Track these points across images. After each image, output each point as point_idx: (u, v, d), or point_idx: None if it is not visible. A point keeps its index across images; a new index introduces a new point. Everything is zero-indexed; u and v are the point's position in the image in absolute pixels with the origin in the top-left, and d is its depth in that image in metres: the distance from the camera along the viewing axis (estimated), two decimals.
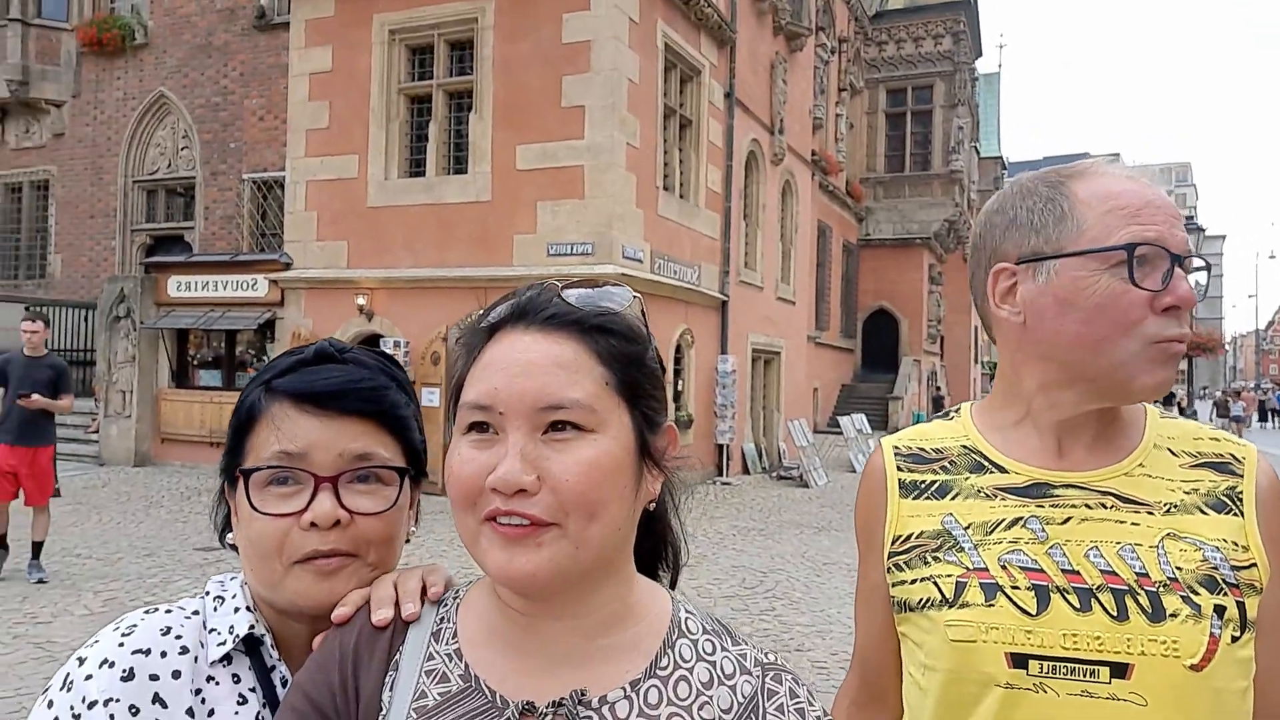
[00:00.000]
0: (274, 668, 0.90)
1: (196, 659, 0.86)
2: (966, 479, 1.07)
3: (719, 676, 0.81)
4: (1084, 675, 0.94)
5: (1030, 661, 0.95)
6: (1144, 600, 0.95)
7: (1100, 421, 1.05)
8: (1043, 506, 1.02)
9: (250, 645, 0.89)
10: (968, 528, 1.03)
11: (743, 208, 15.82)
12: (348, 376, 0.94)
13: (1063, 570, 0.97)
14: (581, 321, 0.79)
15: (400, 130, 12.51)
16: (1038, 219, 1.03)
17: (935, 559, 1.03)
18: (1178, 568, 0.96)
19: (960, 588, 0.99)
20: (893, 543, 1.08)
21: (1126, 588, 0.95)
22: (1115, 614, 0.94)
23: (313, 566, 0.89)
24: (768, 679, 0.82)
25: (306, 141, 12.97)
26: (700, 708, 0.78)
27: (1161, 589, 0.95)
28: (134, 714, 0.81)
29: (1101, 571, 0.96)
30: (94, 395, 14.42)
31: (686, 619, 0.85)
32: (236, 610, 0.91)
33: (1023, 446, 1.07)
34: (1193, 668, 0.92)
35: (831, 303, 23.62)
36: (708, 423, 14.37)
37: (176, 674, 0.84)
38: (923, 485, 1.09)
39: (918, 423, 1.29)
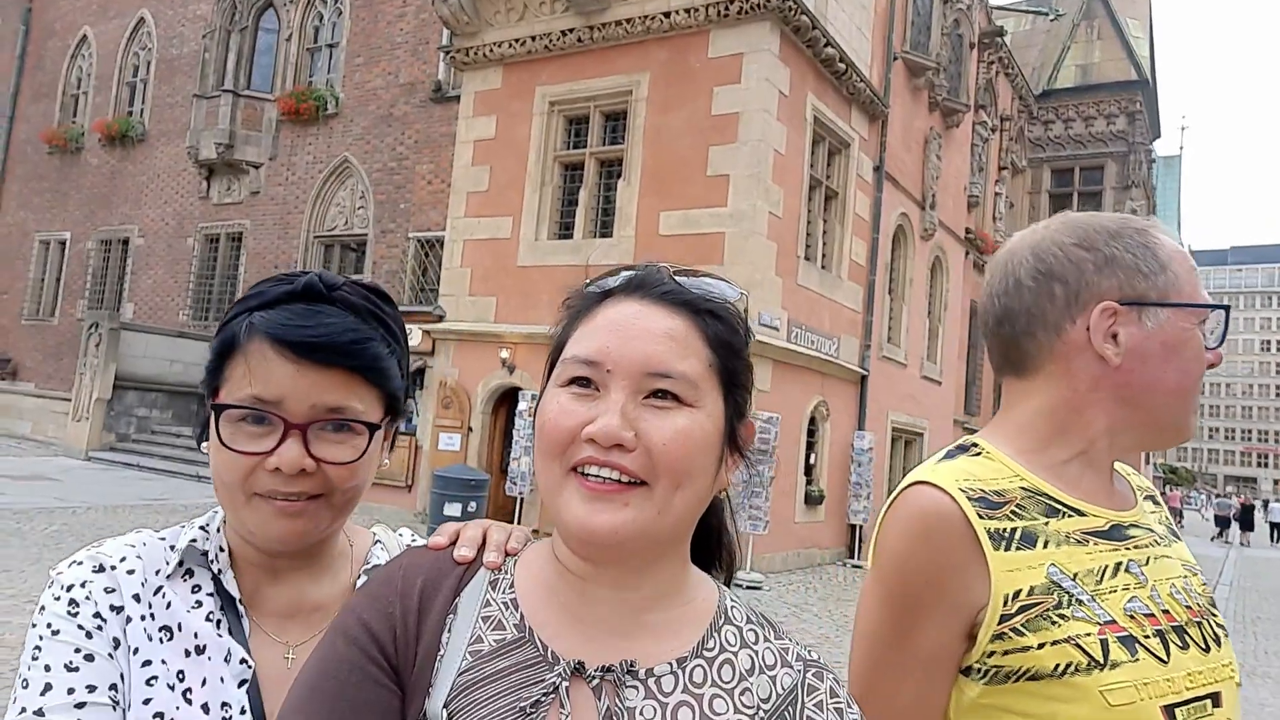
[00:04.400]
0: (220, 572, 0.97)
1: (158, 571, 0.94)
2: (1046, 524, 1.00)
3: (760, 665, 0.82)
4: (1203, 713, 0.95)
5: (1178, 710, 0.93)
6: (1208, 629, 0.99)
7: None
8: (1129, 549, 1.01)
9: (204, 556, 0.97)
10: (1074, 577, 0.97)
11: (887, 281, 15.49)
12: (330, 329, 0.93)
13: (1162, 611, 0.97)
14: (694, 303, 0.82)
15: (553, 194, 13.09)
16: (1143, 263, 1.03)
17: (1063, 618, 0.94)
18: (1197, 594, 1.02)
19: (1105, 646, 0.93)
20: (1004, 603, 0.96)
21: (1199, 620, 0.99)
22: (1204, 646, 0.98)
23: (273, 504, 0.92)
24: (809, 674, 0.83)
25: (467, 203, 13.78)
26: (741, 693, 0.79)
27: (1205, 615, 1.00)
28: (109, 592, 0.90)
29: (1185, 607, 0.99)
30: None
31: (732, 607, 0.86)
32: (202, 528, 0.98)
33: (1080, 487, 1.03)
34: (1238, 684, 0.99)
35: (984, 387, 22.55)
36: (840, 501, 13.92)
37: (139, 579, 0.93)
38: (1007, 534, 0.98)
39: None
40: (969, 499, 1.00)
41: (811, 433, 13.23)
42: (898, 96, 15.45)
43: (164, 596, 0.93)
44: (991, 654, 0.96)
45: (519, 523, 11.76)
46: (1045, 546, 0.98)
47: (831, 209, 13.84)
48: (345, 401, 0.93)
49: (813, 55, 12.49)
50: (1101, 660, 0.93)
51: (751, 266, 11.29)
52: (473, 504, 8.88)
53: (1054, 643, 0.94)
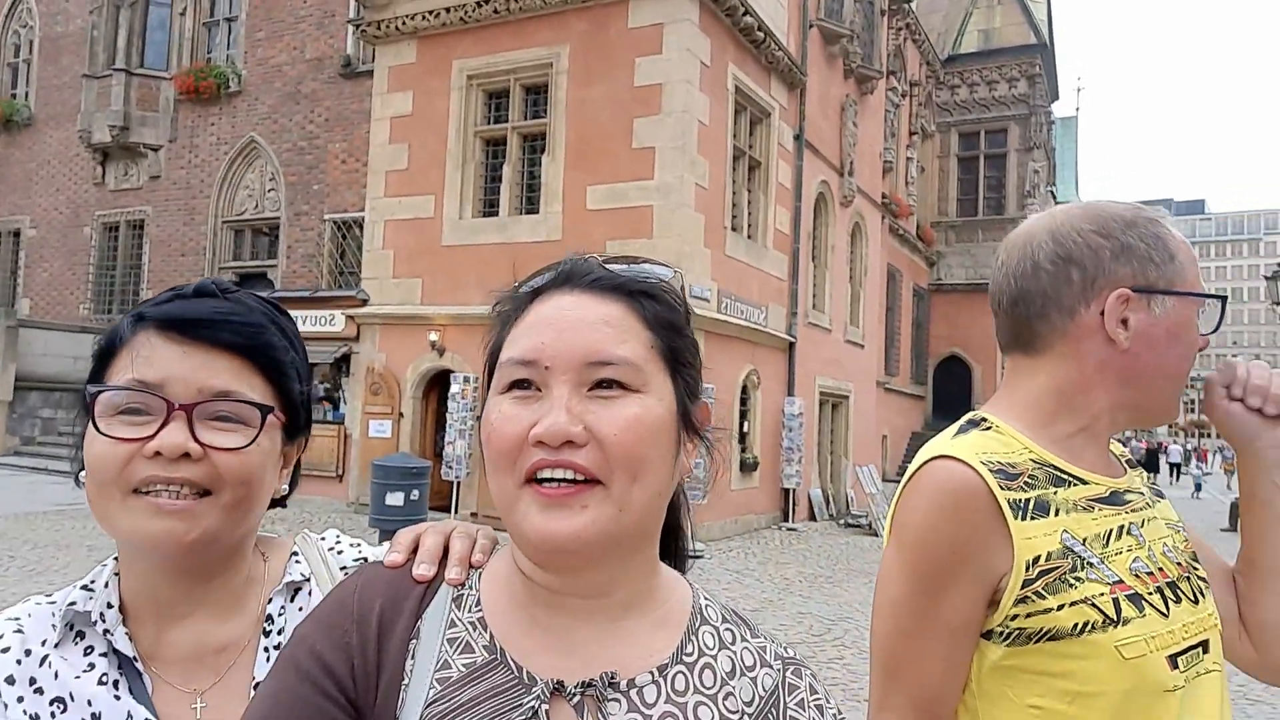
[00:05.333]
0: (107, 632, 0.89)
1: (44, 641, 0.87)
2: (1055, 493, 1.07)
3: (740, 667, 0.80)
4: (1197, 660, 1.04)
5: (1179, 659, 1.01)
6: (1195, 583, 1.09)
7: None
8: (1128, 513, 1.09)
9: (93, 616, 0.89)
10: (1084, 542, 1.03)
11: (811, 249, 15.74)
12: (219, 309, 0.89)
13: (1158, 569, 1.06)
14: (626, 286, 0.79)
15: (475, 171, 12.84)
16: (1155, 253, 1.10)
17: (1078, 580, 1.01)
18: (1181, 550, 1.12)
19: (1117, 605, 1.01)
20: (1025, 569, 1.01)
21: (1186, 575, 1.09)
22: (1194, 599, 1.07)
23: (152, 502, 0.84)
24: (788, 673, 0.82)
25: (386, 182, 13.41)
26: (725, 698, 0.77)
27: (1190, 570, 1.10)
28: None
29: (1176, 564, 1.08)
30: None
31: (706, 606, 0.84)
32: (85, 587, 0.91)
33: (1084, 459, 1.12)
34: (1220, 632, 1.09)
35: (901, 348, 23.23)
36: (774, 466, 14.18)
37: (14, 658, 0.86)
38: (1023, 504, 1.05)
39: None
40: (990, 471, 1.05)
41: (744, 401, 13.42)
42: (814, 65, 15.61)
43: (50, 666, 0.86)
44: (1014, 617, 1.02)
45: (456, 507, 11.66)
46: (1057, 514, 1.05)
47: (755, 179, 13.94)
48: (234, 386, 0.88)
49: (732, 24, 12.50)
50: (1115, 618, 1.00)
51: (680, 239, 11.31)
52: (415, 492, 8.74)
53: (1072, 604, 1.00)
